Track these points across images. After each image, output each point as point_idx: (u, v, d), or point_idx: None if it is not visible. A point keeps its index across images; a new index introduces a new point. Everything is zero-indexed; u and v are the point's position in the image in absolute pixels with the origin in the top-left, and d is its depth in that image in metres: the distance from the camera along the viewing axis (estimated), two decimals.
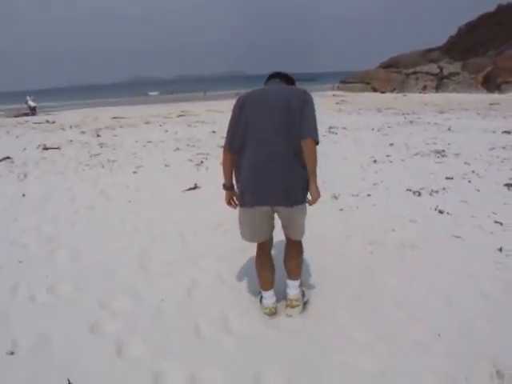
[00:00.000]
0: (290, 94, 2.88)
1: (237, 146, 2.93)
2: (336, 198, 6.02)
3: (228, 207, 3.26)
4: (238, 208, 3.13)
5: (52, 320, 3.21)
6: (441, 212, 5.38)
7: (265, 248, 3.25)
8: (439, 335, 2.93)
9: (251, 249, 4.36)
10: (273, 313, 3.24)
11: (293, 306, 3.26)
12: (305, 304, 3.38)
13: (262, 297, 3.35)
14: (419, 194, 6.17)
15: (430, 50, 47.69)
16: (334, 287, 3.62)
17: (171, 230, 4.99)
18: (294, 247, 3.26)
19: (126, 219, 5.46)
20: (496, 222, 4.93)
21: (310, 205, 2.97)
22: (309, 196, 2.94)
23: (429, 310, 3.24)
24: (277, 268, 3.33)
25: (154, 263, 4.16)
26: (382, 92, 38.70)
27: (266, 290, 3.28)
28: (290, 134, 2.81)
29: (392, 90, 38.92)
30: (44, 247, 4.58)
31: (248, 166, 2.88)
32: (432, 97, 29.26)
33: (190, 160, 9.18)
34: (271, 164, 2.82)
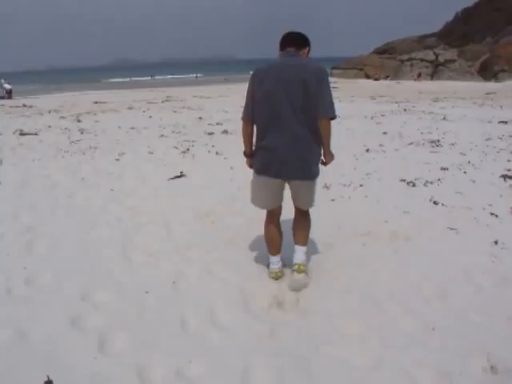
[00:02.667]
0: (308, 75, 3.09)
1: (257, 121, 3.27)
2: (327, 187, 6.03)
3: (247, 169, 3.62)
4: (253, 177, 3.48)
5: (30, 313, 3.18)
6: (435, 203, 5.42)
7: (275, 215, 3.61)
8: (433, 329, 2.96)
9: (240, 239, 4.38)
10: (279, 277, 3.61)
11: (300, 271, 3.50)
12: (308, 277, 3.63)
13: (269, 263, 3.70)
14: (413, 185, 6.22)
15: (426, 36, 47.87)
16: (325, 279, 3.64)
17: (156, 220, 4.97)
18: (303, 215, 3.62)
19: (109, 208, 5.42)
20: (492, 214, 4.99)
21: (325, 165, 3.44)
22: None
23: (422, 303, 3.28)
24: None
25: (139, 254, 4.14)
26: (376, 79, 38.77)
27: (273, 254, 3.64)
28: (307, 113, 3.12)
29: (386, 77, 39.01)
30: (21, 237, 4.52)
31: (271, 144, 3.21)
32: (427, 84, 29.38)
33: (176, 147, 9.12)
34: (292, 144, 3.17)
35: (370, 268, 3.81)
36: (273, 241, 3.62)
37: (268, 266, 3.73)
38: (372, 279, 3.63)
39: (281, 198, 3.50)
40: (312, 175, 3.34)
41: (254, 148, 3.43)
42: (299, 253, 3.58)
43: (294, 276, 3.50)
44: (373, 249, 4.19)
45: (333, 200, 5.59)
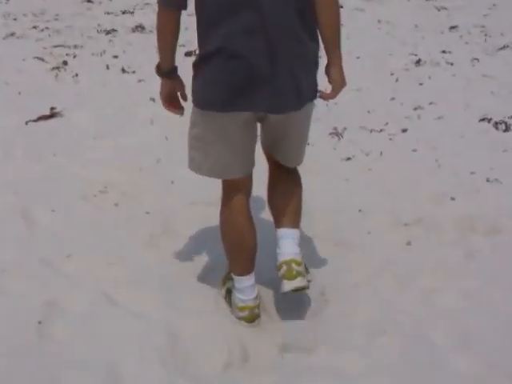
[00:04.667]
0: None
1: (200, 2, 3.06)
2: (339, 135, 6.06)
3: (167, 111, 3.49)
4: (196, 116, 3.32)
5: None
6: None
7: (243, 192, 3.51)
8: None
9: (169, 237, 4.38)
10: (255, 316, 3.51)
11: (292, 276, 3.32)
12: (309, 282, 3.50)
13: (229, 288, 3.66)
14: (506, 129, 6.34)
15: None
16: (336, 307, 3.71)
17: (5, 202, 4.95)
18: (290, 170, 3.63)
19: None
20: None
21: (329, 99, 3.44)
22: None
23: None
24: None
25: None
26: None
27: (242, 273, 3.51)
28: None
29: None
30: None
31: (232, 44, 3.03)
32: None
33: (41, 59, 9.08)
34: (272, 41, 3.02)
35: (421, 286, 3.88)
36: (241, 245, 3.51)
37: (227, 293, 3.70)
38: (426, 306, 3.68)
39: (253, 158, 3.47)
40: (310, 95, 3.29)
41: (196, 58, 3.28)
42: (289, 241, 3.45)
43: (284, 285, 3.34)
44: (426, 250, 4.27)
45: (349, 159, 5.66)
